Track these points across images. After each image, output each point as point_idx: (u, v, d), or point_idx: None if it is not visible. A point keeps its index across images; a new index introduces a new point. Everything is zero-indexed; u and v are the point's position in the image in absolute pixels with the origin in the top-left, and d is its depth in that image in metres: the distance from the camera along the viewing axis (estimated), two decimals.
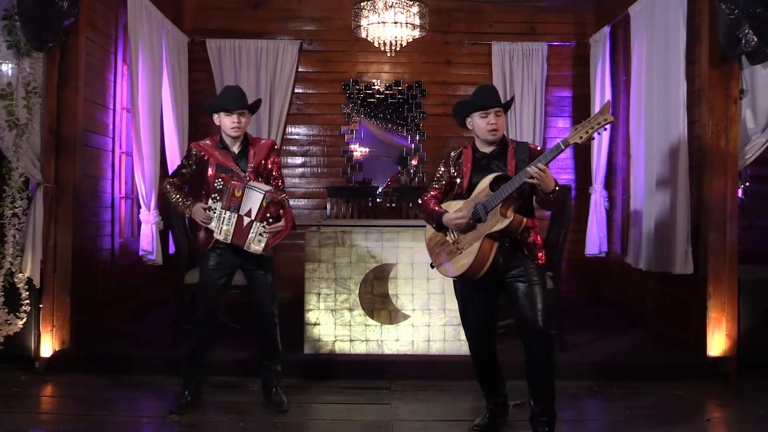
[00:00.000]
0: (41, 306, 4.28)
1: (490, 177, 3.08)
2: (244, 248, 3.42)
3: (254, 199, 3.40)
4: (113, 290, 5.08)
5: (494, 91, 3.24)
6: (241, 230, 3.42)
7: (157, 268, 5.44)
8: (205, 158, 3.56)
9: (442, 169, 3.34)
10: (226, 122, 3.52)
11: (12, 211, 4.19)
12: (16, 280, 4.19)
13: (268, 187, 3.45)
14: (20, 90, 4.18)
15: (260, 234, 3.41)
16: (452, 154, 3.32)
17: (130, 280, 5.39)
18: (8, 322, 4.17)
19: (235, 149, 3.58)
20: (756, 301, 4.34)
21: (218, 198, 3.44)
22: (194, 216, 3.50)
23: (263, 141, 3.69)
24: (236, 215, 3.42)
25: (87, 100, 4.56)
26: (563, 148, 2.91)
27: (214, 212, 3.45)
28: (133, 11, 4.92)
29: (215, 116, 3.57)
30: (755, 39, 4.06)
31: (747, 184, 5.20)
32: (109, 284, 5.00)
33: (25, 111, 4.19)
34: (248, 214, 3.40)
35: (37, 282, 4.25)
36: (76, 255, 4.38)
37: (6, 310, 4.17)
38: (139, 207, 5.21)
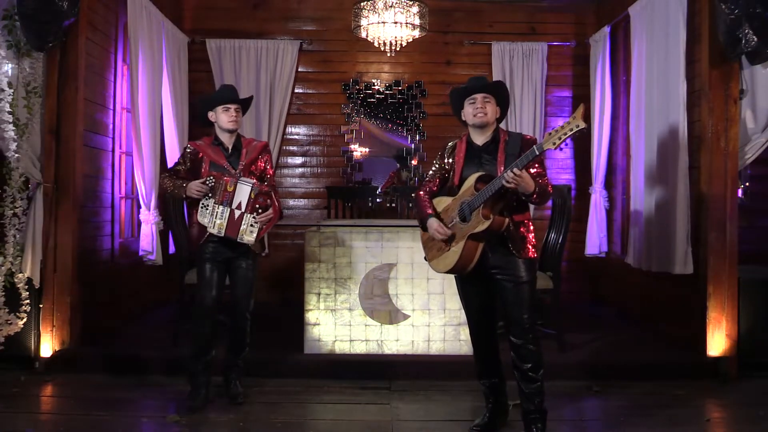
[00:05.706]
0: (41, 306, 4.29)
1: (475, 176, 3.10)
2: (237, 240, 3.59)
3: (243, 192, 3.58)
4: (113, 290, 5.08)
5: (482, 79, 3.24)
6: (233, 223, 3.58)
7: (157, 268, 5.44)
8: (200, 156, 3.70)
9: (437, 163, 3.37)
10: (224, 117, 3.67)
11: (12, 211, 4.19)
12: (16, 280, 4.19)
13: (253, 180, 3.63)
14: (20, 90, 4.18)
15: (251, 225, 3.58)
16: (449, 145, 3.35)
17: (130, 280, 5.39)
18: (8, 322, 4.16)
19: (229, 147, 3.72)
20: (756, 301, 4.34)
21: (210, 195, 3.59)
22: (190, 193, 3.58)
23: (256, 142, 3.84)
24: (228, 209, 3.58)
25: (87, 100, 4.56)
26: (537, 153, 2.90)
27: (209, 201, 3.58)
28: (133, 11, 4.92)
29: (210, 113, 3.71)
30: (755, 39, 4.06)
31: (747, 184, 5.19)
32: (109, 284, 5.00)
33: (25, 111, 4.19)
34: (239, 207, 3.58)
35: (37, 282, 4.25)
36: (76, 255, 4.38)
37: (6, 310, 4.17)
38: (139, 207, 5.21)
